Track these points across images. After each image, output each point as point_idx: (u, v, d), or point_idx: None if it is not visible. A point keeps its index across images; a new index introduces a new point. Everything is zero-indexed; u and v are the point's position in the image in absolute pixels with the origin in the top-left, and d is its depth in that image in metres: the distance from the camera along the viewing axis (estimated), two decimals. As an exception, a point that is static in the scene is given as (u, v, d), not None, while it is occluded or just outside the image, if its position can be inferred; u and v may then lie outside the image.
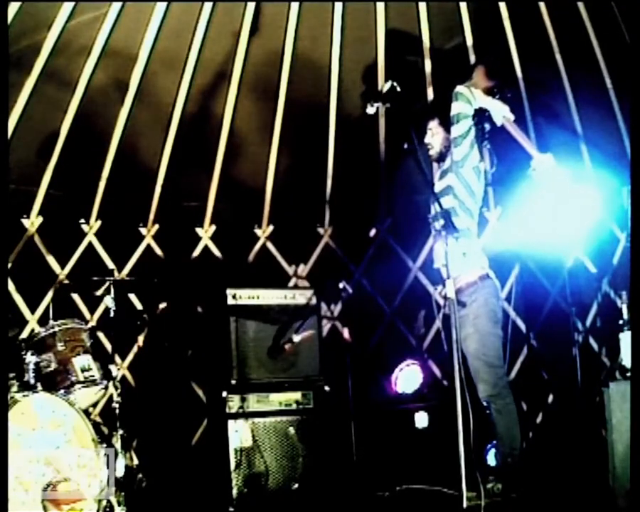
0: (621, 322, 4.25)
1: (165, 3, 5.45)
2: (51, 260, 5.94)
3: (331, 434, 5.28)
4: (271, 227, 6.51)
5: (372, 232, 6.68)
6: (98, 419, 5.39)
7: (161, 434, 5.79)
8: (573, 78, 6.19)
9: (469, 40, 6.00)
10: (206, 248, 6.37)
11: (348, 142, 6.30)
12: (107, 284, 4.82)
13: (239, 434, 5.04)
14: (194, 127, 5.99)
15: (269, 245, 6.51)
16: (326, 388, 5.37)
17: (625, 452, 3.88)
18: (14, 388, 4.19)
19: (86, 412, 4.35)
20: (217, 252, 6.37)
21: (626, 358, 4.09)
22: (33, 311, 5.79)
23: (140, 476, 4.68)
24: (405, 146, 4.18)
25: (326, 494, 5.04)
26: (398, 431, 5.54)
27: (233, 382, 5.14)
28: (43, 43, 5.27)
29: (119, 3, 5.33)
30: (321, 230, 6.63)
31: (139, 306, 5.98)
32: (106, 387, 4.67)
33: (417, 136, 4.32)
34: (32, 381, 4.21)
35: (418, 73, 6.11)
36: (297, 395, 5.27)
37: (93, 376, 4.57)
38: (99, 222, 6.09)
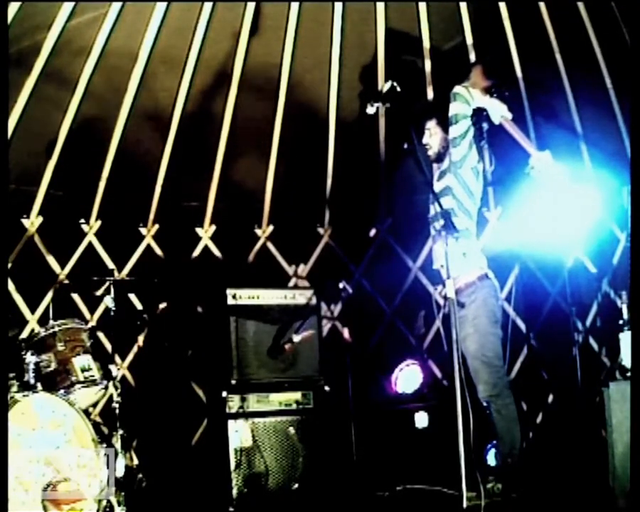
0: (621, 322, 4.25)
1: (165, 3, 5.45)
2: (51, 260, 5.93)
3: (331, 434, 5.28)
4: (271, 227, 6.51)
5: (372, 232, 6.68)
6: (98, 419, 5.39)
7: (161, 434, 5.79)
8: (573, 78, 6.18)
9: (469, 40, 6.00)
10: (206, 248, 6.36)
11: (348, 142, 6.30)
12: (107, 284, 4.82)
13: (239, 434, 5.04)
14: (194, 127, 5.99)
15: (269, 245, 6.50)
16: (326, 388, 5.37)
17: (625, 452, 3.88)
18: (14, 388, 4.18)
19: (86, 412, 4.35)
20: (217, 252, 6.37)
21: (626, 358, 4.09)
22: (33, 311, 5.79)
23: (140, 476, 4.68)
24: (405, 146, 4.18)
25: (326, 494, 5.04)
26: (398, 431, 5.54)
27: (233, 382, 5.14)
28: (43, 43, 5.27)
29: (119, 3, 5.33)
30: (321, 230, 6.63)
31: (139, 306, 5.97)
32: (106, 387, 4.66)
33: (417, 136, 4.32)
34: (32, 381, 4.21)
35: (418, 73, 6.11)
36: (297, 395, 5.27)
37: (93, 376, 4.56)
38: (99, 222, 6.09)
